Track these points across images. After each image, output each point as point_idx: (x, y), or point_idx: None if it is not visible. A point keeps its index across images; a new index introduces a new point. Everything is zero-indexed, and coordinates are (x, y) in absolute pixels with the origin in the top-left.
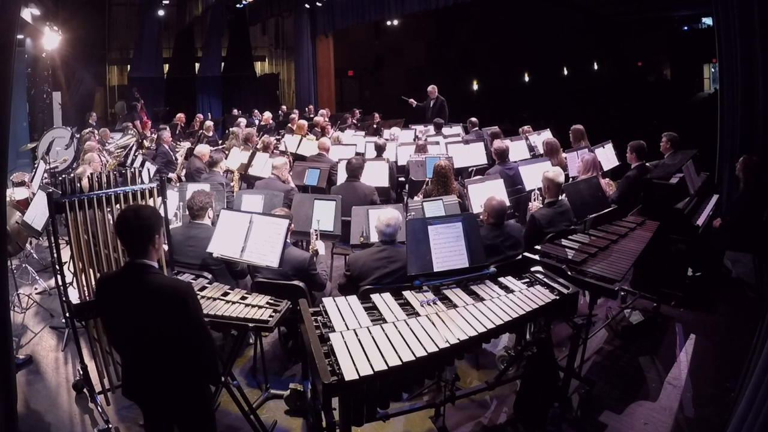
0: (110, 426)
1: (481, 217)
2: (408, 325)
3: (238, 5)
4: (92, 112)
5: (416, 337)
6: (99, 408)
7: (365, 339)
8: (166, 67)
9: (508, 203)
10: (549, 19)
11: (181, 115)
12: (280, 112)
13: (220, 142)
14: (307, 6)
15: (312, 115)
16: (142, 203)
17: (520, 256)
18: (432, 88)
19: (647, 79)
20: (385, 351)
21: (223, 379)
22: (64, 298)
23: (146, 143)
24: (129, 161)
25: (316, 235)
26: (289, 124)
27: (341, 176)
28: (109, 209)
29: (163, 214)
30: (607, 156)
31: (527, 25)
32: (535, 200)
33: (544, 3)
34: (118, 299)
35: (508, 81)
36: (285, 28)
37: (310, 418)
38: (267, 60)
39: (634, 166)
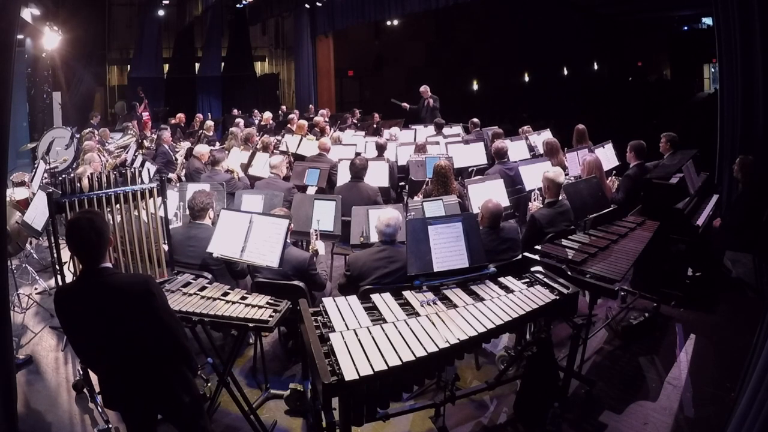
0: (110, 426)
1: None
2: (408, 325)
3: (238, 5)
4: (95, 112)
5: (416, 337)
6: (99, 408)
7: (365, 339)
8: (166, 67)
9: (507, 203)
10: (549, 19)
11: (181, 115)
12: (280, 112)
13: (218, 142)
14: (307, 6)
15: (312, 115)
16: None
17: (519, 257)
18: (424, 88)
19: (647, 79)
20: (385, 351)
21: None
22: None
23: (146, 143)
24: (129, 161)
25: (316, 235)
26: (289, 124)
27: (341, 176)
28: (109, 209)
29: (163, 214)
30: (607, 156)
31: (527, 25)
32: (535, 200)
33: (544, 3)
34: (83, 308)
35: (508, 81)
36: (285, 28)
37: (310, 418)
38: (267, 60)
39: (633, 165)
